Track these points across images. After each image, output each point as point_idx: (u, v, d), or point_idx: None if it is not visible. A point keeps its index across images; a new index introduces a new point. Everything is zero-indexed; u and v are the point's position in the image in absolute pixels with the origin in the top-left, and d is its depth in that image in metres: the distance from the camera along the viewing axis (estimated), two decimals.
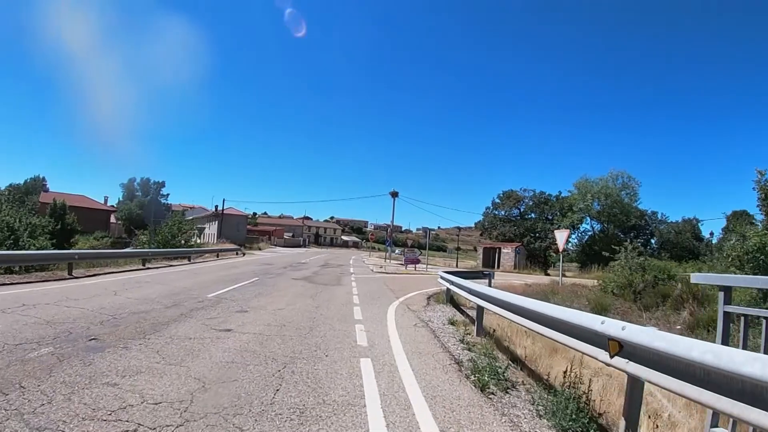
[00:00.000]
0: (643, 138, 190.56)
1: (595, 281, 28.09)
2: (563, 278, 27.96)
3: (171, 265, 23.20)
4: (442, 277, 14.84)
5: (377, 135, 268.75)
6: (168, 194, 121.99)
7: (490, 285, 18.79)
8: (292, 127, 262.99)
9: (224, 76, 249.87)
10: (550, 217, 64.42)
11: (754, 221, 63.38)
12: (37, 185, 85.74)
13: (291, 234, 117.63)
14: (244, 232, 79.29)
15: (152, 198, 25.48)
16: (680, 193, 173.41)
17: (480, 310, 9.18)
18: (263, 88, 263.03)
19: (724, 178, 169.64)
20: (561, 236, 26.02)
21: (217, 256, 33.51)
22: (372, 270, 29.70)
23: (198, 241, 79.30)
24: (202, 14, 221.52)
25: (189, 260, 26.95)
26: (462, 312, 12.87)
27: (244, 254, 42.80)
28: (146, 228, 35.38)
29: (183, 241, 33.92)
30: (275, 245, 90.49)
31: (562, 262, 29.34)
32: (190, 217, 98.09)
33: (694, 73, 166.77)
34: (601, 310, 15.22)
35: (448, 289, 14.12)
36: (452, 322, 10.30)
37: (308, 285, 16.65)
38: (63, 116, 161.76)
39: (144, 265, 21.20)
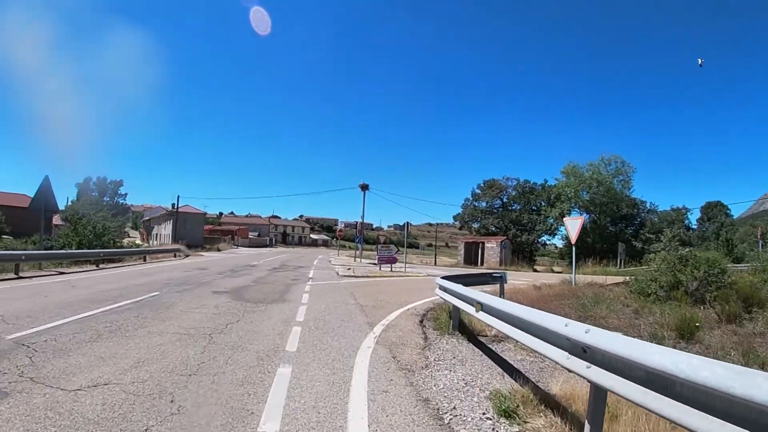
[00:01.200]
0: (616, 123, 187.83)
1: (607, 278, 23.26)
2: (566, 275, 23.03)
3: (62, 273, 17.04)
4: (443, 288, 9.08)
5: (349, 132, 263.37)
6: (126, 194, 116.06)
7: (502, 294, 13.22)
8: (260, 127, 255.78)
9: (188, 78, 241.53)
10: (536, 208, 59.04)
11: (728, 212, 59.51)
12: None
13: (257, 233, 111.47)
14: (201, 232, 72.38)
15: (42, 188, 19.24)
16: (662, 183, 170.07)
17: (597, 399, 3.22)
18: (228, 88, 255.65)
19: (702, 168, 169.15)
20: (573, 225, 20.26)
21: (144, 260, 26.91)
22: (338, 273, 23.36)
23: (152, 243, 72.66)
24: (160, 16, 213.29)
25: (97, 266, 20.55)
26: (487, 352, 7.09)
27: (187, 256, 36.24)
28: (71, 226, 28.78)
29: (112, 242, 27.62)
30: (238, 245, 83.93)
31: (574, 257, 23.47)
32: (149, 217, 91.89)
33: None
34: (686, 331, 9.57)
35: (455, 308, 8.27)
36: (505, 410, 4.32)
37: (228, 305, 10.41)
38: (17, 117, 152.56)
39: (17, 273, 15.35)
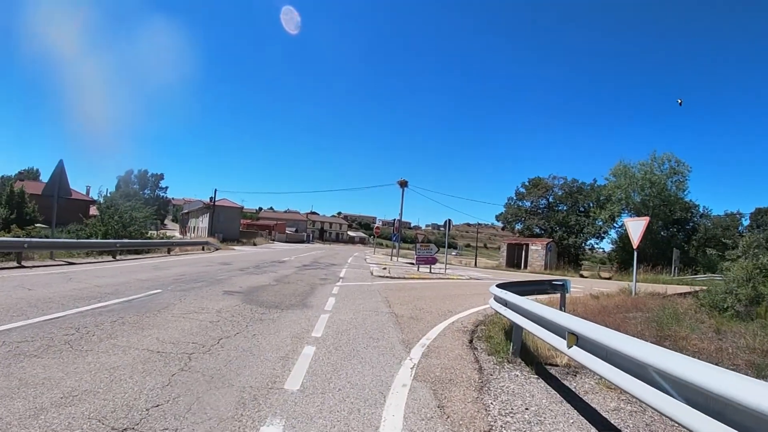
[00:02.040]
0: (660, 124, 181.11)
1: (667, 288, 20.85)
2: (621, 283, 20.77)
3: (71, 263, 15.80)
4: (500, 300, 7.15)
5: (387, 129, 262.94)
6: (167, 187, 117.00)
7: (563, 306, 11.16)
8: (301, 123, 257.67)
9: (229, 72, 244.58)
10: (584, 209, 55.85)
11: None
12: (30, 176, 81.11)
13: (295, 229, 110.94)
14: (237, 226, 71.56)
15: (56, 173, 18.10)
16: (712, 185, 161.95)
17: None
18: (270, 84, 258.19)
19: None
20: (636, 227, 17.64)
21: (169, 252, 25.60)
22: (372, 273, 21.39)
23: (189, 236, 72.28)
24: (204, 10, 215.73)
25: (114, 257, 19.22)
26: (565, 394, 5.11)
27: (217, 249, 35.02)
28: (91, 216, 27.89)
29: (141, 233, 26.55)
30: (275, 240, 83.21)
31: (635, 264, 20.85)
32: (187, 210, 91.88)
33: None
34: None
35: (517, 327, 6.32)
36: None
37: (234, 310, 8.57)
38: (63, 110, 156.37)
39: (19, 262, 14.22)
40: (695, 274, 40.25)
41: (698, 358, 7.20)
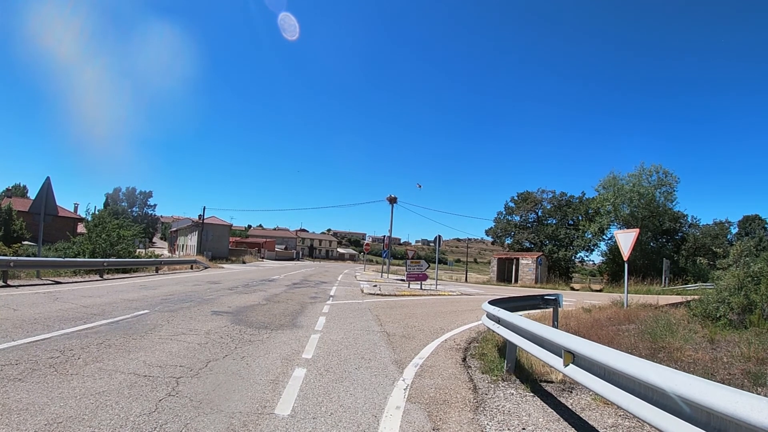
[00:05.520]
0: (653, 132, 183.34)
1: (658, 298, 20.87)
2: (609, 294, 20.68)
3: (58, 282, 15.66)
4: (493, 317, 7.03)
5: (376, 143, 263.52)
6: (155, 205, 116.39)
7: (555, 322, 11.03)
8: (291, 135, 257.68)
9: (216, 84, 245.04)
10: (573, 222, 55.99)
11: (767, 226, 54.98)
12: (17, 193, 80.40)
13: (284, 246, 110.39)
14: (226, 244, 71.10)
15: (42, 190, 18.05)
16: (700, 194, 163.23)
17: None
18: (259, 97, 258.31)
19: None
20: (626, 239, 17.54)
21: (156, 271, 25.33)
22: (362, 290, 21.21)
23: (178, 254, 71.74)
24: (193, 21, 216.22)
25: (101, 276, 19.00)
26: (562, 412, 5.01)
27: (206, 268, 34.73)
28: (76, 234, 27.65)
29: (129, 251, 26.30)
30: (264, 258, 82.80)
31: (626, 276, 20.74)
32: (176, 228, 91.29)
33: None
34: None
35: (508, 344, 6.26)
36: None
37: (222, 331, 8.42)
38: (50, 124, 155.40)
39: (5, 281, 14.05)
40: (686, 283, 40.33)
41: (694, 369, 7.19)
